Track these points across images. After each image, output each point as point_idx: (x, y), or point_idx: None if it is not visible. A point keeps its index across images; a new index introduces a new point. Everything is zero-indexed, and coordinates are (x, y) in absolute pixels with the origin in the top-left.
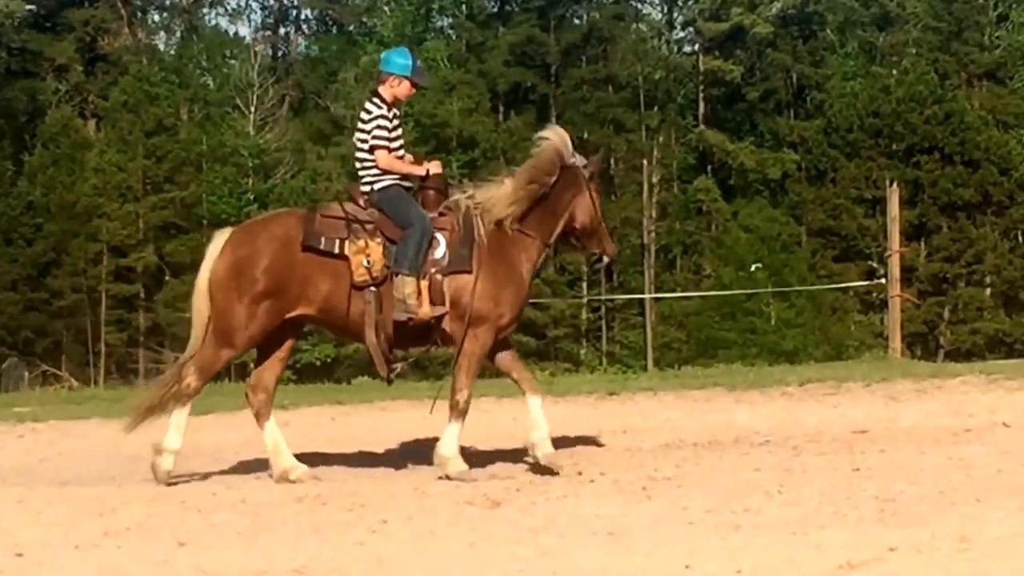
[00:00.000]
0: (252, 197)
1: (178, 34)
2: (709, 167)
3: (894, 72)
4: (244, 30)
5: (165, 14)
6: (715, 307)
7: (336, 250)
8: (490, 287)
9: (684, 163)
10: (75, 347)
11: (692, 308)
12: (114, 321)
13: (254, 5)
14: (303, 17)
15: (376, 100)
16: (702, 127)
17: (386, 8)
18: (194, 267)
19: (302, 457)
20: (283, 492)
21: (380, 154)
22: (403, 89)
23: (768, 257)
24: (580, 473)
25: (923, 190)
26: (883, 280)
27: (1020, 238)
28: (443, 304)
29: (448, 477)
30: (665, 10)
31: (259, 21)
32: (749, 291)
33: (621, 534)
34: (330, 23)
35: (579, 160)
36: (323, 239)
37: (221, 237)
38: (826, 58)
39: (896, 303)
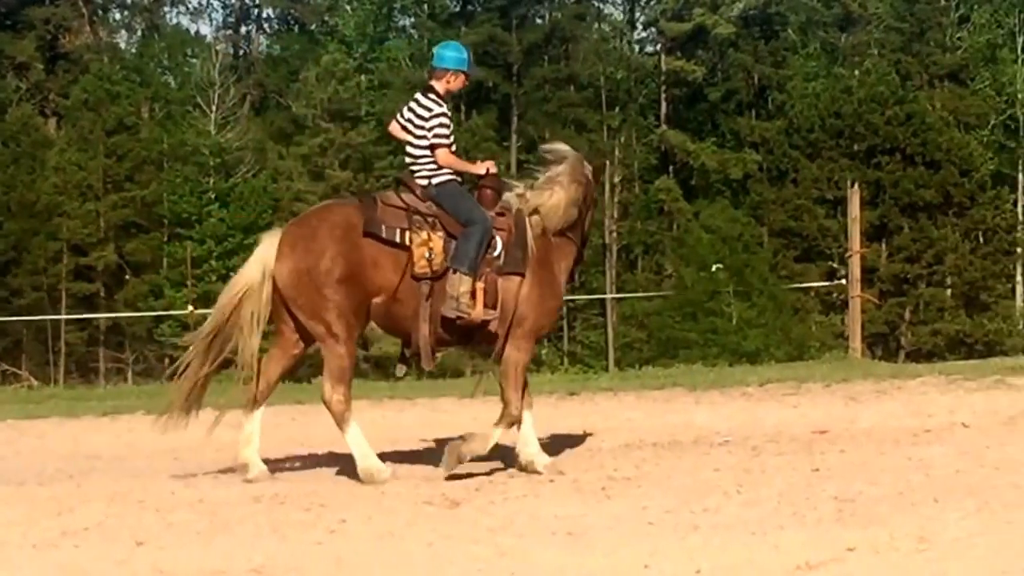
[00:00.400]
0: (213, 196)
1: (139, 33)
2: (671, 167)
3: (856, 73)
4: (205, 29)
5: (126, 12)
6: (676, 307)
7: (397, 239)
8: (536, 293)
9: (646, 163)
10: (35, 346)
11: (653, 308)
12: (74, 320)
13: (215, 4)
14: (264, 16)
15: (433, 96)
16: (664, 127)
17: (348, 7)
18: (154, 266)
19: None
20: (241, 491)
21: (441, 152)
22: (458, 83)
23: (729, 257)
24: (539, 473)
25: (884, 191)
26: (844, 281)
27: (981, 239)
28: (495, 307)
29: (453, 476)
30: (627, 10)
31: (220, 20)
32: (710, 291)
33: (580, 534)
34: (291, 22)
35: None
36: (384, 227)
37: (271, 238)
38: (788, 59)
39: (857, 303)
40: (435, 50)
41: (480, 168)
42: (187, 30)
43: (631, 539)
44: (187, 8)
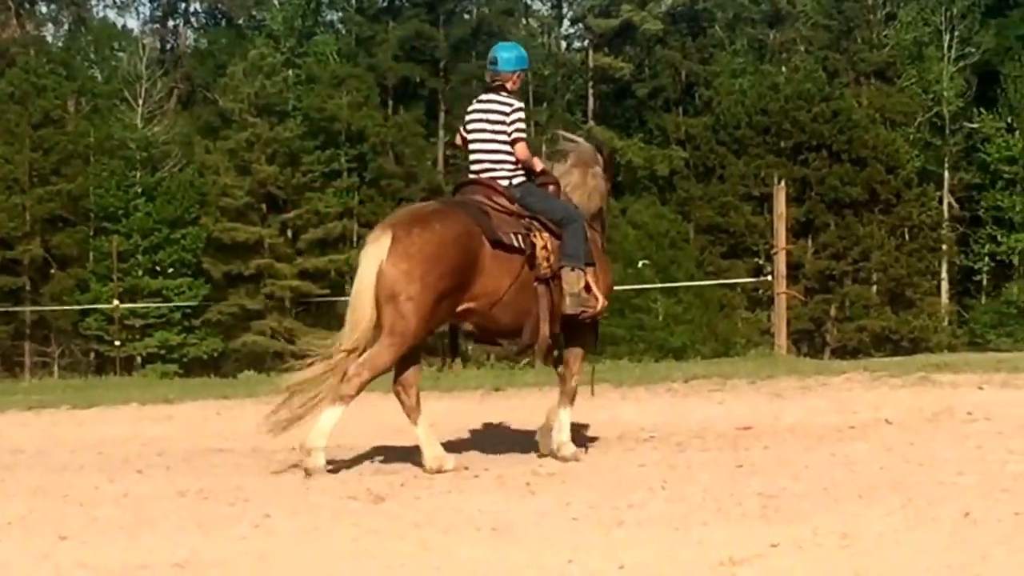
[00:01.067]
0: (140, 190)
1: (66, 26)
2: None
3: (783, 70)
4: (132, 22)
5: (53, 5)
6: None
7: (517, 244)
8: (603, 281)
9: None
10: None
11: None
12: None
13: None
14: (192, 10)
15: (506, 96)
16: (591, 123)
17: (276, 1)
18: (80, 260)
19: (185, 453)
20: (165, 486)
21: (521, 147)
22: (520, 81)
23: (656, 254)
24: (466, 468)
25: (810, 187)
26: (770, 277)
27: (907, 236)
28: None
29: (563, 458)
30: (554, 6)
31: (148, 14)
32: (637, 287)
33: (504, 529)
34: (219, 16)
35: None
36: (505, 234)
37: (384, 237)
38: (715, 55)
39: (782, 300)
40: (497, 54)
41: (539, 165)
42: (114, 24)
43: (555, 534)
44: (114, 2)
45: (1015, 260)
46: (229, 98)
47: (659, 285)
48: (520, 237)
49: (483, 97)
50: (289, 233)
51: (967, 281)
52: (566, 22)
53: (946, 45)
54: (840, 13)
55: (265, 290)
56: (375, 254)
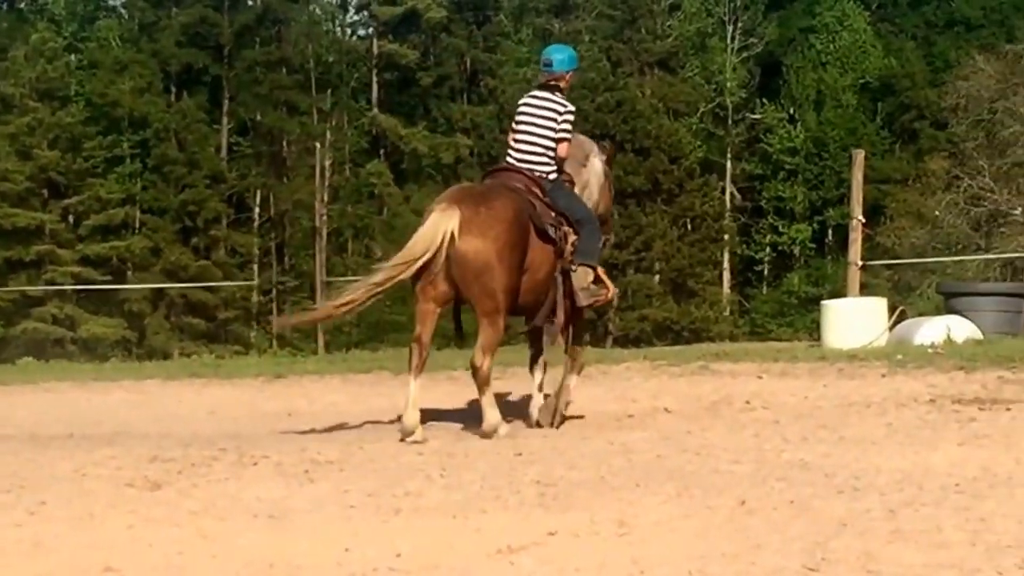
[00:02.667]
0: None
1: None
2: (382, 151)
3: None
4: None
5: None
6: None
7: (553, 235)
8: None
9: (357, 147)
10: None
11: None
12: None
13: None
14: None
15: (560, 96)
16: (375, 111)
17: None
18: None
19: None
20: None
21: (564, 147)
22: (572, 81)
23: None
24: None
25: None
26: None
27: (689, 226)
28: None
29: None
30: None
31: None
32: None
33: (281, 517)
34: (0, 0)
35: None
36: (547, 225)
37: (451, 210)
38: (500, 44)
39: None
40: (552, 55)
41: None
42: None
43: (333, 522)
44: None
45: (796, 250)
46: (10, 82)
47: None
48: (554, 229)
49: (538, 94)
50: (71, 219)
51: (748, 271)
52: (351, 9)
53: (729, 36)
54: (624, 3)
55: (46, 276)
56: (443, 222)
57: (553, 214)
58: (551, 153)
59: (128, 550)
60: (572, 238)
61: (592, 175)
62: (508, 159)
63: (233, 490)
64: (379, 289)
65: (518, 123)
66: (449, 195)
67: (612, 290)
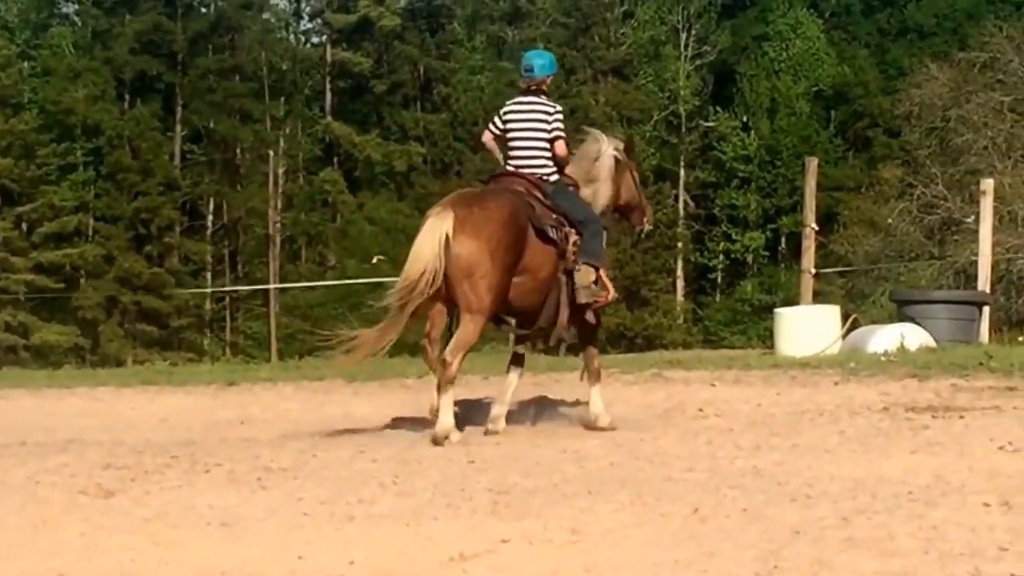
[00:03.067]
0: None
1: None
2: (335, 159)
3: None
4: None
5: None
6: (340, 298)
7: (553, 236)
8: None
9: (310, 154)
10: None
11: (316, 299)
12: None
13: None
14: None
15: (545, 99)
16: (329, 119)
17: None
18: None
19: None
20: None
21: (560, 144)
22: (551, 84)
23: (393, 249)
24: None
25: None
26: None
27: (642, 234)
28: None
29: (603, 428)
30: (293, 1)
31: None
32: (374, 281)
33: (234, 524)
34: None
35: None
36: (547, 226)
37: (446, 214)
38: (453, 52)
39: None
40: (532, 61)
41: (568, 165)
42: None
43: (286, 530)
44: None
45: (749, 258)
46: None
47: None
48: (555, 230)
49: (523, 99)
50: (24, 226)
51: (702, 279)
52: (304, 17)
53: (683, 44)
54: (578, 11)
55: None
56: (438, 226)
57: (554, 215)
58: (547, 154)
59: (81, 557)
60: (574, 238)
61: (603, 169)
62: (508, 165)
63: (186, 497)
64: (406, 314)
65: (509, 130)
66: (445, 200)
67: (612, 293)
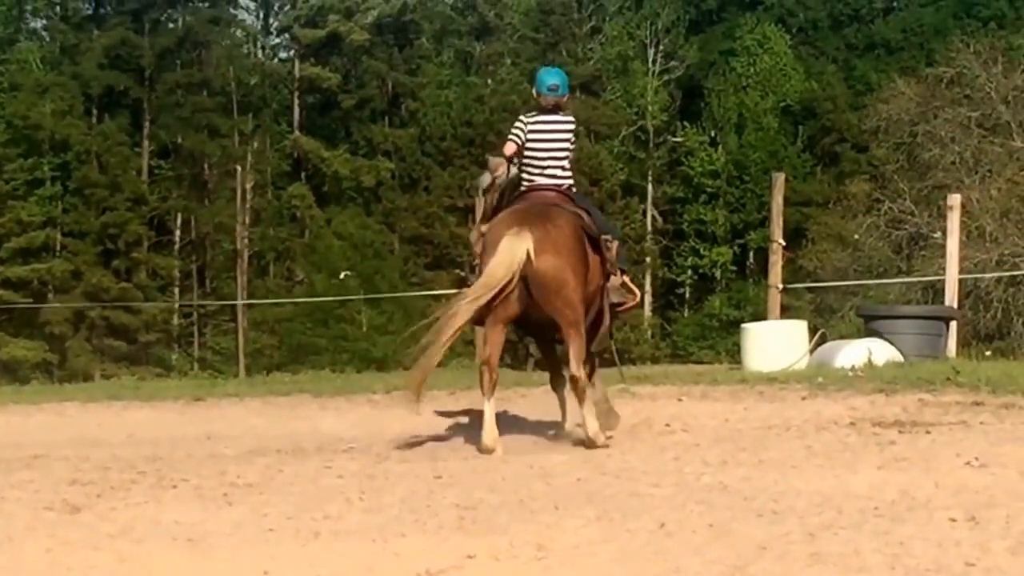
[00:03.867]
0: None
1: None
2: (303, 174)
3: (489, 82)
4: None
5: None
6: (307, 313)
7: (602, 245)
8: None
9: (278, 169)
10: None
11: (284, 314)
12: None
13: None
14: None
15: (564, 115)
16: (297, 134)
17: None
18: None
19: None
20: None
21: (568, 161)
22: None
23: (361, 264)
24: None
25: None
26: None
27: None
28: None
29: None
30: (261, 16)
31: None
32: (341, 298)
33: (200, 540)
34: None
35: None
36: (599, 237)
37: (524, 233)
38: (422, 67)
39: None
40: (557, 80)
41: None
42: None
43: (251, 545)
44: None
45: (717, 273)
46: None
47: (363, 296)
48: (605, 241)
49: (547, 117)
50: None
51: (670, 294)
52: (272, 32)
53: (651, 59)
54: (547, 26)
55: None
56: (518, 245)
57: (595, 225)
58: (569, 167)
59: (46, 573)
60: (614, 245)
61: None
62: (539, 179)
63: (152, 513)
64: (466, 320)
65: (536, 146)
66: (512, 219)
67: (637, 295)
